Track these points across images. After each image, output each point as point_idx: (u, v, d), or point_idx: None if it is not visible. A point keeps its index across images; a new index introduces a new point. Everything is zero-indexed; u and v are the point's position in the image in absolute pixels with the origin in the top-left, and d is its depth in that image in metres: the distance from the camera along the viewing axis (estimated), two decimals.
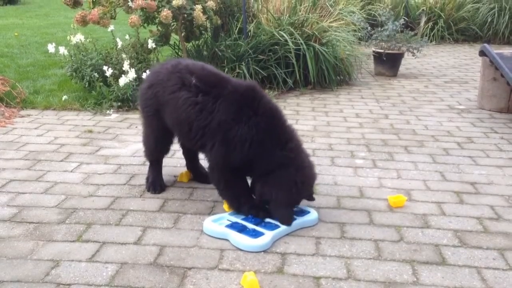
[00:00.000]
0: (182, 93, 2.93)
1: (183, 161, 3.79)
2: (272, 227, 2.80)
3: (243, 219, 2.89)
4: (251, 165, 2.84)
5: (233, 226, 2.79)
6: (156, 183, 3.36)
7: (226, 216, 2.92)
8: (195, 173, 3.53)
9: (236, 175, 2.94)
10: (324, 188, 3.42)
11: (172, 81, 3.01)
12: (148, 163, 3.45)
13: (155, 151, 3.36)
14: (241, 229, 2.76)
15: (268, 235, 2.70)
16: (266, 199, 2.84)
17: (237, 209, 2.95)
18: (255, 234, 2.71)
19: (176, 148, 4.14)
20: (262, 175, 2.84)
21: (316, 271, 2.47)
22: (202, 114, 2.86)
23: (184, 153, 3.53)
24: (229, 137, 2.79)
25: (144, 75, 5.28)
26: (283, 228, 2.80)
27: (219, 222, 2.84)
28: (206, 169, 3.52)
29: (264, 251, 2.63)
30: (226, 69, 5.86)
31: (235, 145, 2.78)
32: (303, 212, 2.96)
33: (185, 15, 5.58)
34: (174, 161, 3.89)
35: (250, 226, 2.81)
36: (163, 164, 3.74)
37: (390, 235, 2.81)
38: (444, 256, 2.62)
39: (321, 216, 3.01)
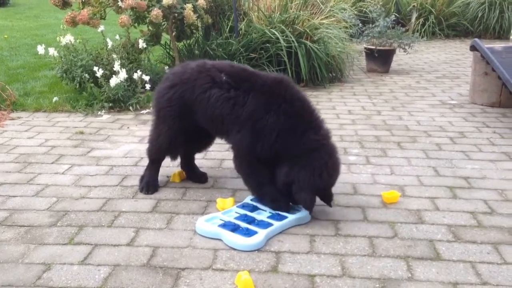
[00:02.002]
0: (214, 90, 3.00)
1: (175, 162, 3.77)
2: (266, 225, 2.78)
3: (236, 218, 2.87)
4: (279, 153, 2.89)
5: (226, 225, 2.77)
6: (150, 183, 3.34)
7: (219, 215, 2.90)
8: (190, 173, 3.52)
9: (261, 164, 2.96)
10: None
11: (201, 80, 3.05)
12: (140, 164, 3.42)
13: (165, 150, 3.33)
14: (234, 228, 2.74)
15: (261, 234, 2.69)
16: (289, 184, 2.85)
17: (259, 197, 3.03)
18: (248, 233, 2.69)
19: None
20: (292, 159, 2.85)
21: (311, 269, 2.46)
22: (234, 108, 2.95)
23: (181, 152, 3.51)
24: (259, 126, 2.88)
25: (135, 75, 5.27)
26: (276, 226, 2.79)
27: (212, 222, 2.82)
28: (201, 170, 3.55)
29: (258, 250, 2.61)
30: None
31: (265, 133, 2.86)
32: (295, 210, 2.95)
33: (176, 14, 5.55)
34: (167, 161, 3.85)
35: (243, 225, 2.79)
36: None
37: (384, 232, 2.81)
38: (439, 251, 2.61)
39: (315, 213, 2.99)
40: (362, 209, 3.07)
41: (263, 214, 2.95)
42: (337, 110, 5.35)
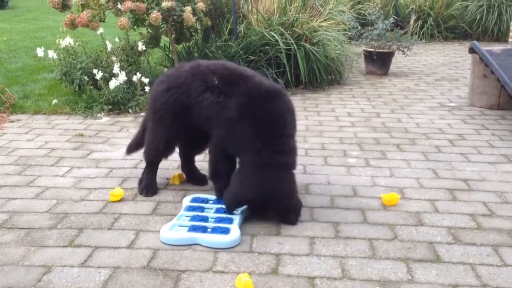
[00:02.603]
0: (207, 95, 3.04)
1: (175, 164, 3.78)
2: (229, 220, 2.85)
3: (192, 220, 2.87)
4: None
5: (196, 228, 2.77)
6: (149, 186, 3.35)
7: (176, 222, 2.87)
8: (190, 175, 3.53)
9: (224, 156, 3.15)
10: (317, 187, 3.42)
11: (196, 83, 3.08)
12: (140, 166, 3.42)
13: (162, 153, 3.35)
14: (204, 230, 2.76)
15: (235, 228, 2.76)
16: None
17: (210, 178, 3.26)
18: (225, 231, 2.73)
19: None
20: (242, 165, 2.97)
21: (311, 271, 2.46)
22: (221, 111, 2.99)
23: (181, 154, 3.53)
24: (229, 133, 2.98)
25: (134, 78, 5.28)
26: (237, 219, 2.87)
27: (175, 229, 2.80)
28: (202, 172, 3.56)
29: (258, 252, 2.62)
30: None
31: (232, 139, 2.97)
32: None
33: (175, 17, 5.55)
34: (166, 163, 3.85)
35: (210, 225, 2.81)
36: None
37: (384, 234, 2.81)
38: (438, 253, 2.62)
39: (315, 215, 3.00)
40: (362, 211, 3.08)
41: (210, 211, 3.02)
42: (336, 113, 5.36)
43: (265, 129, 2.86)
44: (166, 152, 3.36)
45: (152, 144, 3.33)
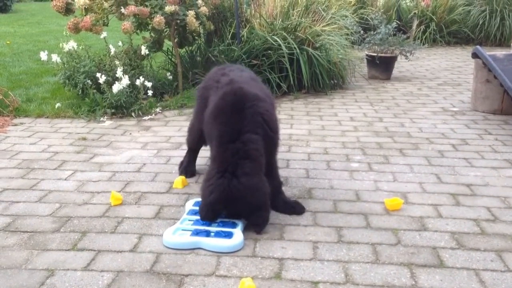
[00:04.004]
0: (212, 91, 3.19)
1: (177, 168, 3.79)
2: (232, 225, 2.85)
3: (195, 225, 2.87)
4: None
5: (199, 233, 2.76)
6: (187, 168, 3.67)
7: (179, 226, 2.86)
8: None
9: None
10: (320, 192, 3.41)
11: (212, 81, 3.29)
12: (143, 170, 3.42)
13: (198, 141, 3.59)
14: (207, 234, 2.75)
15: (238, 233, 2.75)
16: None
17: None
18: (228, 235, 2.73)
19: (172, 154, 4.15)
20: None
21: (314, 276, 2.45)
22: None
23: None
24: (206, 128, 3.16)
25: (137, 82, 5.30)
26: (240, 223, 2.86)
27: (179, 234, 2.80)
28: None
29: (261, 257, 2.61)
30: None
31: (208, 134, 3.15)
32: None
33: (178, 21, 5.57)
34: (169, 167, 3.87)
35: (213, 229, 2.81)
36: (157, 170, 3.82)
37: (388, 239, 2.80)
38: (442, 258, 2.61)
39: (318, 220, 3.00)
40: (365, 216, 3.07)
41: None
42: (339, 117, 5.36)
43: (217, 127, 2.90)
44: (196, 141, 3.60)
45: (190, 132, 3.66)
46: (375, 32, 7.31)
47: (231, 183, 2.74)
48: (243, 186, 2.73)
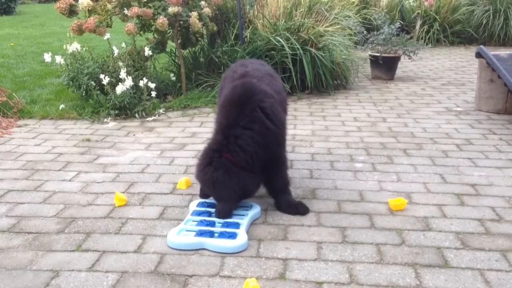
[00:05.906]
0: (226, 83, 3.24)
1: (181, 169, 3.81)
2: (235, 225, 2.85)
3: (199, 225, 2.87)
4: None
5: (203, 233, 2.77)
6: None
7: (183, 227, 2.86)
8: None
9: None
10: (324, 192, 3.41)
11: (229, 72, 3.37)
12: (147, 171, 3.43)
13: None
14: (211, 235, 2.75)
15: (242, 233, 2.75)
16: None
17: None
18: (232, 235, 2.73)
19: (175, 155, 4.15)
20: None
21: (318, 276, 2.45)
22: None
23: None
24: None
25: (141, 83, 5.30)
26: (244, 224, 2.86)
27: (183, 234, 2.80)
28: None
29: (265, 257, 2.61)
30: None
31: None
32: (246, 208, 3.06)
33: (181, 22, 5.58)
34: (173, 168, 3.87)
35: (217, 229, 2.81)
36: (161, 171, 3.82)
37: (392, 239, 2.80)
38: (447, 258, 2.60)
39: (322, 220, 3.00)
40: (369, 216, 3.07)
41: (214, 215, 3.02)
42: (343, 117, 5.35)
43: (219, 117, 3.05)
44: None
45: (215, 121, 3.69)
46: (378, 32, 7.30)
47: (203, 171, 2.96)
48: (206, 177, 2.93)
